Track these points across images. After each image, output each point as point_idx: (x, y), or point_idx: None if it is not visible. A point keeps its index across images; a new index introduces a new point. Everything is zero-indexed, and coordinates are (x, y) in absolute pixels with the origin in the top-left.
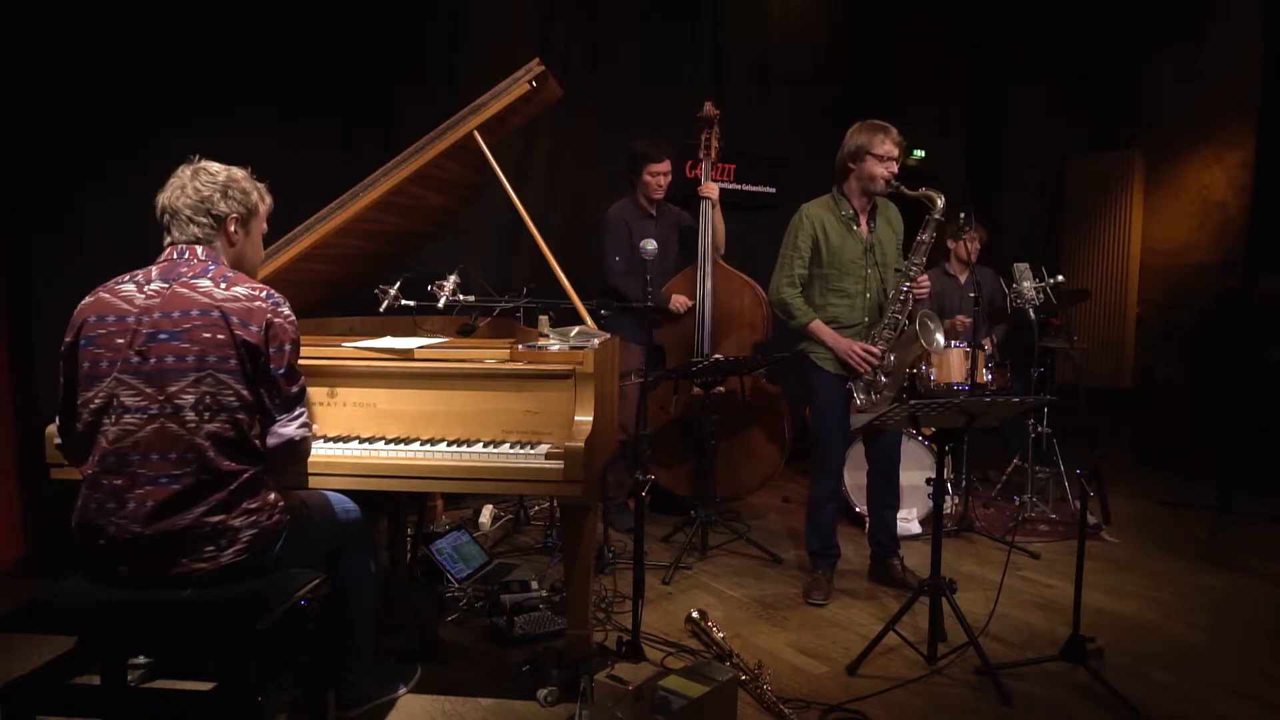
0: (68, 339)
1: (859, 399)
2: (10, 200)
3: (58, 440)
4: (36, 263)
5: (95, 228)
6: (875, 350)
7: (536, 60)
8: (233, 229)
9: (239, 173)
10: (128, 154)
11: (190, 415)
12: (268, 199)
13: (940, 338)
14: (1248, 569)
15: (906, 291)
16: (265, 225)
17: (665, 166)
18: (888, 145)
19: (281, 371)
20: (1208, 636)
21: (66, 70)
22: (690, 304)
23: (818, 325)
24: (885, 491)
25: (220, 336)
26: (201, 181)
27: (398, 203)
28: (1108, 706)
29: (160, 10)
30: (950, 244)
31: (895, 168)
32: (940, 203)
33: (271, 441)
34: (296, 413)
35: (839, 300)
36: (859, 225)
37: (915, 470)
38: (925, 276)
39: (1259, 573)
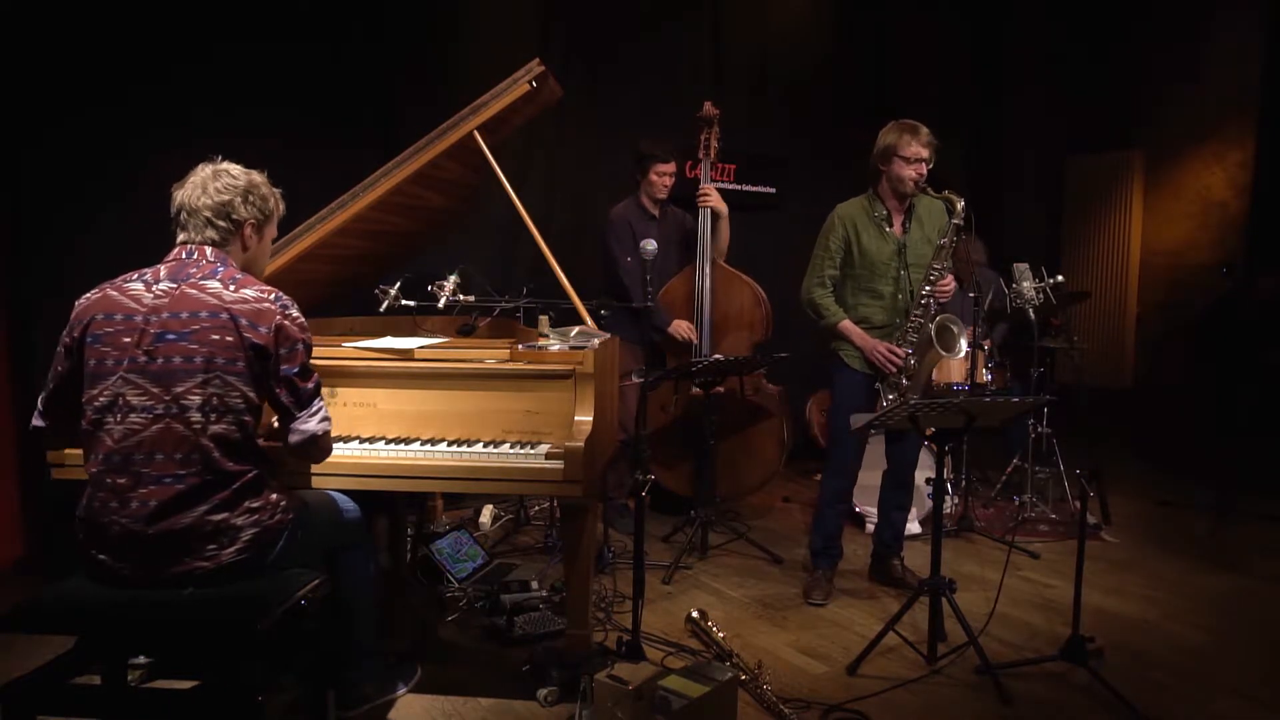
0: (74, 334)
1: (886, 399)
2: (10, 200)
3: (38, 423)
4: (36, 263)
5: (95, 228)
6: (900, 351)
7: (536, 60)
8: (248, 233)
9: (259, 177)
10: (128, 154)
11: (196, 416)
12: (282, 205)
13: (964, 343)
14: (1248, 569)
15: (928, 294)
16: (275, 230)
17: (672, 167)
18: (915, 147)
19: (295, 371)
20: (1208, 636)
21: (66, 70)
22: (695, 338)
23: (847, 325)
24: (898, 493)
25: (229, 339)
26: (223, 184)
27: (398, 203)
28: (1108, 706)
29: (160, 10)
30: None
31: (924, 169)
32: (960, 206)
33: (294, 439)
34: (315, 408)
35: (870, 301)
36: (892, 226)
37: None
38: (949, 279)
39: (1259, 573)
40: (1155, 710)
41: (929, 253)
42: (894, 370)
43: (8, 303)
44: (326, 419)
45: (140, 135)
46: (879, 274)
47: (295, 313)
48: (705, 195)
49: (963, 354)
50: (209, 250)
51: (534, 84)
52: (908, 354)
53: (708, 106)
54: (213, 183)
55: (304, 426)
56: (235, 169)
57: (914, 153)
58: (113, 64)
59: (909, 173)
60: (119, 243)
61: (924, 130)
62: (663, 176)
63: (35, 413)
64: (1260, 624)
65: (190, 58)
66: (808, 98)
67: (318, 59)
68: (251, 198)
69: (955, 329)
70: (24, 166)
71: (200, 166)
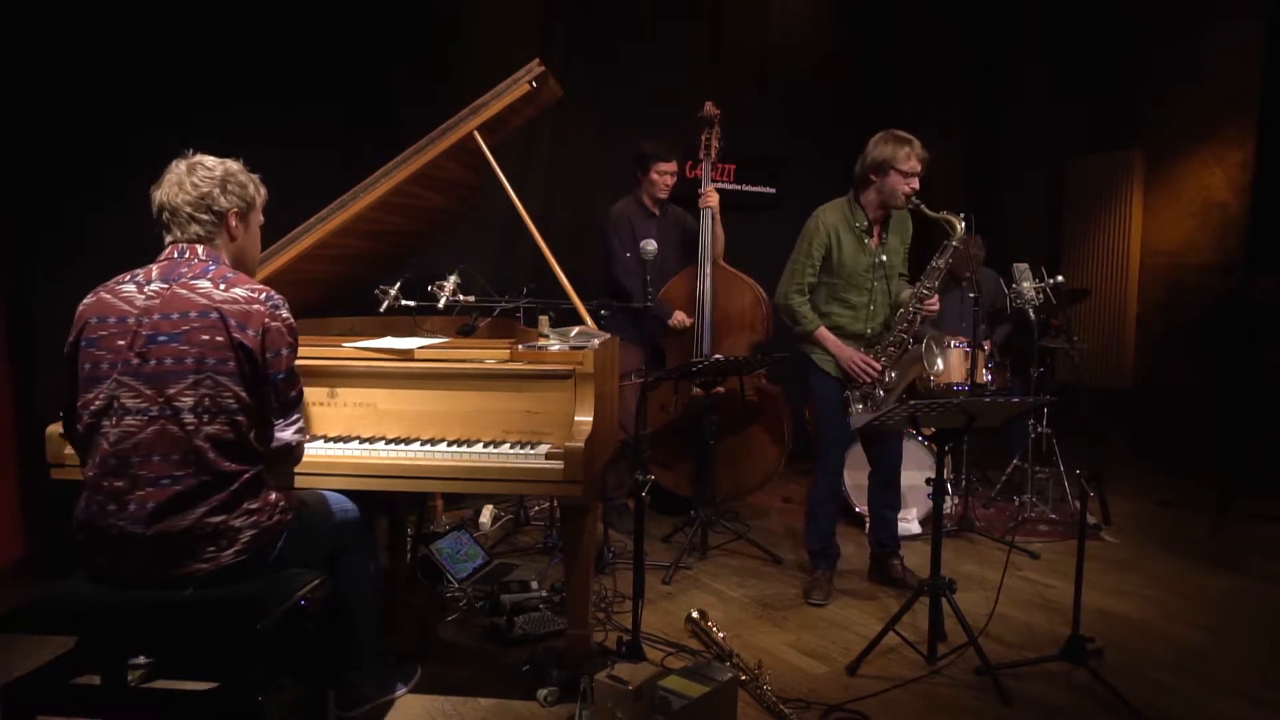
0: (70, 339)
1: (855, 408)
2: (10, 200)
3: (68, 447)
4: (36, 263)
5: (95, 227)
6: (876, 365)
7: (536, 60)
8: (234, 224)
9: (234, 165)
10: (128, 154)
11: (189, 418)
12: (263, 190)
13: (941, 363)
14: (1248, 569)
15: (915, 312)
16: (262, 217)
17: (673, 167)
18: (913, 161)
19: (281, 376)
20: (1208, 636)
21: (66, 70)
22: (690, 322)
23: (822, 333)
24: (886, 493)
25: (219, 339)
26: (199, 177)
27: (398, 203)
28: (1108, 706)
29: (160, 11)
30: None
31: (917, 183)
32: (960, 228)
33: (271, 445)
34: (294, 417)
35: (843, 310)
36: (871, 238)
37: (915, 470)
38: (935, 299)
39: (1259, 573)
40: (1155, 710)
41: (900, 262)
42: (868, 381)
43: (8, 303)
44: (302, 430)
45: (140, 135)
46: (854, 284)
47: (285, 313)
48: (707, 196)
49: (940, 370)
50: (200, 249)
51: (534, 84)
52: (884, 366)
53: (708, 106)
54: (189, 177)
55: (281, 435)
56: (210, 160)
57: (911, 166)
58: (113, 64)
59: (905, 187)
60: (120, 243)
61: (917, 143)
62: (664, 176)
63: (62, 430)
64: (1260, 624)
65: (189, 58)
66: (808, 98)
67: (318, 59)
68: (230, 186)
69: (937, 348)
70: (24, 166)
71: (174, 164)
